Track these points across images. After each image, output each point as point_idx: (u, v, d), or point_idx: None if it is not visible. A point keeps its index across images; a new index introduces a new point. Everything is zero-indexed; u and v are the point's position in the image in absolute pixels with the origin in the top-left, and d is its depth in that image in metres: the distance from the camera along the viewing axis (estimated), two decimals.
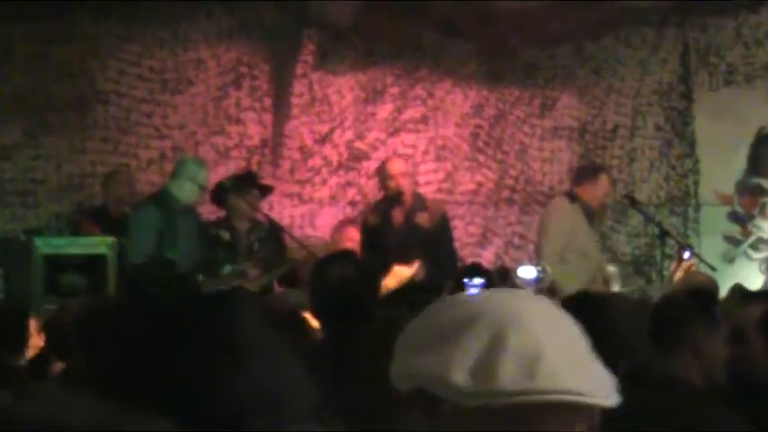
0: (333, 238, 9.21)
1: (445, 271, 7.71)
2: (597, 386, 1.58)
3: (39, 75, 9.50)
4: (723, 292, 6.49)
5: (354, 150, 10.61)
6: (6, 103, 9.38)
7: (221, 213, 8.82)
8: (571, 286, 8.23)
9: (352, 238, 8.57)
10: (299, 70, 10.35)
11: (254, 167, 9.95)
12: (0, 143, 9.43)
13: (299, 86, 10.37)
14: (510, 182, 11.14)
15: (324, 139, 10.51)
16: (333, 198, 10.52)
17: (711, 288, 6.07)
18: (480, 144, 11.05)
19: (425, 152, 10.85)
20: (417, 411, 1.62)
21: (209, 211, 9.03)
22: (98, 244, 7.94)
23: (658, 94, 11.12)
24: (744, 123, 10.83)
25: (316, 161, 10.47)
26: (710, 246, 10.53)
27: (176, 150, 9.91)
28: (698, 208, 11.01)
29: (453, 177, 10.93)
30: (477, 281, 6.20)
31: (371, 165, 10.25)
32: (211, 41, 10.13)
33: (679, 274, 7.53)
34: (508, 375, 1.55)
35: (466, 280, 6.23)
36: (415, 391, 1.62)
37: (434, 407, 1.60)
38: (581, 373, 1.58)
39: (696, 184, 11.03)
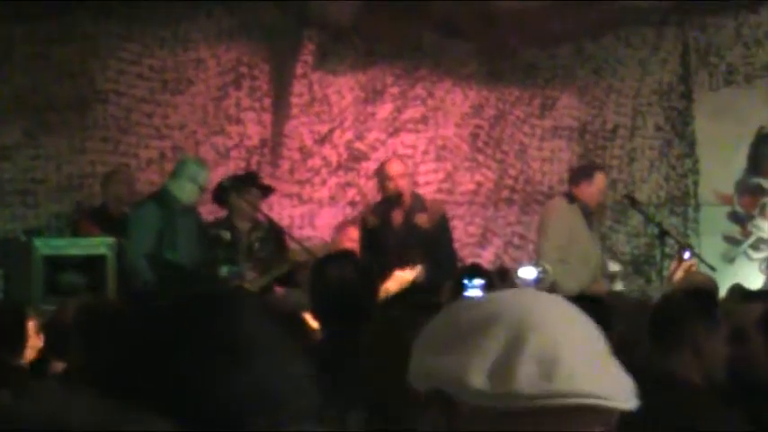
0: (333, 239, 9.21)
1: (445, 271, 7.70)
2: (616, 389, 1.57)
3: (39, 75, 9.50)
4: (723, 292, 6.50)
5: (354, 151, 10.61)
6: (6, 103, 9.38)
7: (222, 213, 8.82)
8: (571, 286, 8.24)
9: (353, 239, 8.57)
10: (298, 70, 10.35)
11: (254, 167, 9.95)
12: (0, 143, 9.43)
13: (298, 86, 10.37)
14: (510, 182, 11.14)
15: (323, 140, 10.51)
16: (332, 198, 10.52)
17: (711, 288, 6.07)
18: (480, 144, 11.05)
19: (425, 152, 10.84)
20: (435, 411, 1.61)
21: (210, 211, 9.03)
22: (98, 245, 7.94)
23: (658, 93, 11.12)
24: (744, 123, 10.83)
25: (315, 161, 10.47)
26: (710, 246, 10.52)
27: (176, 150, 9.91)
28: (698, 208, 11.01)
29: (453, 177, 10.93)
30: (477, 281, 6.20)
31: (371, 165, 10.25)
32: (211, 41, 10.13)
33: (679, 274, 7.53)
34: (526, 378, 1.54)
35: (466, 280, 6.22)
36: (432, 392, 1.61)
37: (452, 407, 1.59)
38: (600, 376, 1.56)
39: (696, 184, 11.03)
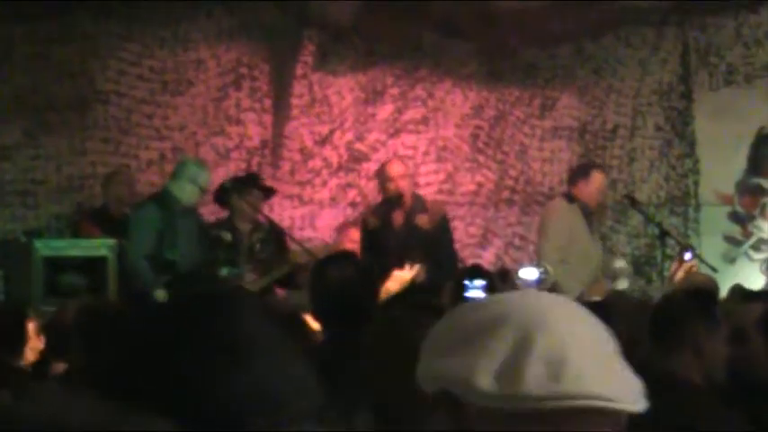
0: (334, 240, 9.21)
1: (446, 272, 7.70)
2: (624, 391, 1.56)
3: (39, 75, 9.50)
4: (724, 292, 6.50)
5: (354, 151, 10.61)
6: (6, 103, 9.38)
7: (223, 214, 8.82)
8: (573, 286, 8.24)
9: (354, 240, 8.57)
10: (299, 71, 10.35)
11: (254, 169, 9.95)
12: (0, 143, 9.43)
13: (299, 87, 10.37)
14: (510, 182, 11.14)
15: (324, 141, 10.51)
16: (333, 199, 10.52)
17: (711, 288, 6.08)
18: (480, 145, 11.05)
19: (426, 153, 10.84)
20: (442, 413, 1.61)
21: (211, 212, 9.02)
22: (98, 246, 7.94)
23: (658, 94, 11.12)
24: (744, 123, 10.83)
25: (316, 162, 10.47)
26: (711, 246, 10.52)
27: (176, 151, 9.91)
28: (698, 208, 11.01)
29: (453, 178, 10.93)
30: (478, 282, 6.19)
31: (372, 166, 10.25)
32: (211, 41, 10.13)
33: (680, 275, 7.53)
34: (533, 379, 1.53)
35: (466, 281, 6.22)
36: (440, 393, 1.61)
37: (459, 409, 1.59)
38: (608, 378, 1.56)
39: (696, 184, 11.02)
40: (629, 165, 11.15)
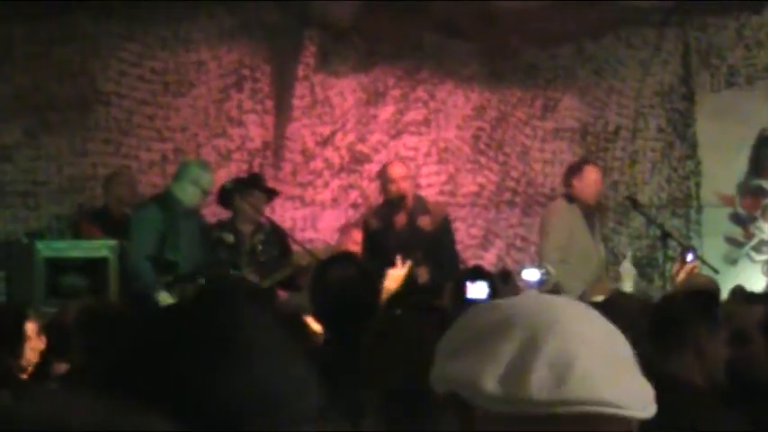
0: (337, 242, 9.21)
1: (447, 273, 7.70)
2: (633, 397, 1.54)
3: (39, 75, 9.50)
4: (725, 293, 6.49)
5: (356, 153, 10.61)
6: (7, 104, 9.38)
7: (225, 215, 8.80)
8: (574, 286, 8.24)
9: (357, 241, 8.57)
10: (300, 72, 10.35)
11: (256, 170, 9.94)
12: (1, 143, 9.43)
13: (300, 88, 10.37)
14: (511, 184, 11.15)
15: (325, 142, 10.51)
16: (334, 201, 10.52)
17: (712, 289, 6.07)
18: (482, 146, 11.05)
19: (427, 154, 10.85)
20: (452, 415, 1.60)
21: (214, 213, 9.01)
22: (99, 247, 7.93)
23: (660, 95, 11.12)
24: (745, 125, 10.83)
25: (317, 164, 10.48)
26: (712, 247, 10.52)
27: (178, 153, 9.91)
28: (700, 210, 11.00)
29: (455, 179, 10.93)
30: (479, 283, 6.19)
31: (373, 167, 10.25)
32: (213, 42, 10.13)
33: (682, 276, 7.53)
34: (539, 384, 1.51)
35: (468, 282, 6.22)
36: (449, 395, 1.60)
37: (468, 411, 1.58)
38: (616, 384, 1.53)
39: (698, 185, 11.02)
40: (631, 166, 11.15)
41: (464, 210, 10.86)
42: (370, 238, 8.45)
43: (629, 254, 9.14)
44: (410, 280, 7.61)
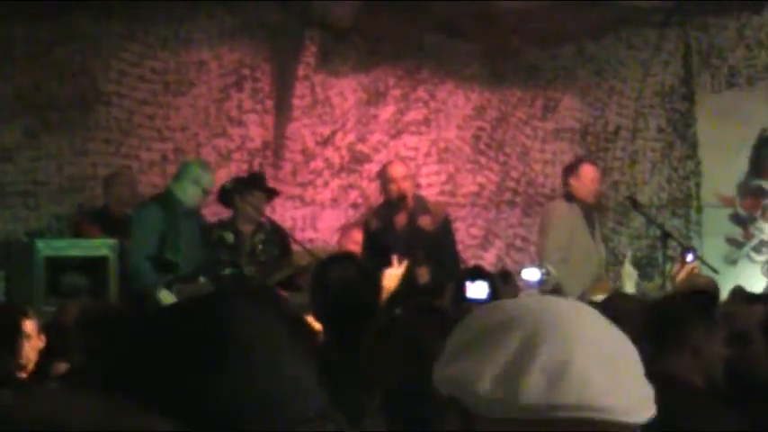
0: (338, 242, 9.21)
1: (448, 273, 7.70)
2: (629, 402, 1.52)
3: (40, 75, 9.50)
4: (725, 294, 6.49)
5: (356, 153, 10.61)
6: (7, 104, 9.38)
7: (225, 215, 8.80)
8: (575, 285, 8.24)
9: (357, 241, 8.57)
10: (300, 72, 10.35)
11: (256, 170, 9.94)
12: (1, 143, 9.43)
13: (300, 88, 10.37)
14: (512, 184, 11.15)
15: (326, 142, 10.51)
16: (334, 200, 10.52)
17: (710, 289, 6.08)
18: (482, 146, 11.05)
19: (427, 154, 10.85)
20: (453, 416, 1.59)
21: (214, 213, 9.01)
22: (99, 246, 7.93)
23: (660, 95, 11.12)
24: (746, 125, 10.83)
25: (317, 163, 10.48)
26: (712, 248, 10.52)
27: (178, 152, 9.91)
28: (700, 210, 11.01)
29: (455, 179, 10.93)
30: (479, 283, 6.20)
31: (373, 167, 10.25)
32: (213, 42, 10.13)
33: (681, 276, 7.54)
34: (534, 388, 1.50)
35: (468, 282, 6.22)
36: (450, 396, 1.60)
37: (466, 414, 1.58)
38: (613, 388, 1.51)
39: (698, 185, 11.02)
40: (631, 167, 11.16)
41: (464, 210, 10.86)
42: (371, 238, 8.44)
43: (630, 254, 9.14)
44: (410, 280, 7.62)
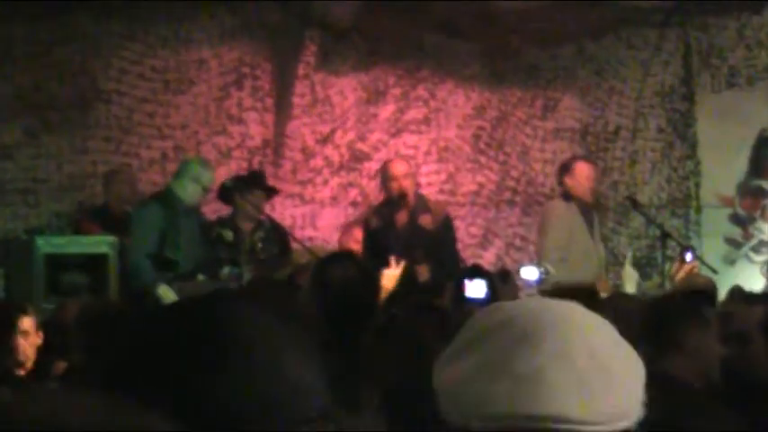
0: (339, 240, 9.20)
1: (448, 272, 7.69)
2: (605, 413, 1.46)
3: (40, 74, 9.49)
4: (724, 294, 6.50)
5: (356, 151, 10.61)
6: (8, 103, 9.38)
7: (225, 212, 8.79)
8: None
9: (358, 240, 8.56)
10: (300, 71, 10.35)
11: (256, 168, 9.94)
12: (1, 142, 9.43)
13: (300, 87, 10.37)
14: (511, 183, 11.15)
15: (325, 140, 10.51)
16: (334, 199, 10.52)
17: (709, 289, 6.08)
18: (482, 145, 11.05)
19: (427, 153, 10.85)
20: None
21: (214, 210, 9.01)
22: (99, 243, 7.93)
23: (660, 95, 11.12)
24: (746, 125, 10.83)
25: (317, 162, 10.48)
26: (712, 248, 10.53)
27: (178, 150, 9.91)
28: (699, 210, 11.01)
29: (455, 179, 10.93)
30: (478, 282, 6.20)
31: (373, 166, 10.26)
32: (213, 41, 10.13)
33: (681, 276, 7.54)
34: (502, 398, 1.46)
35: (466, 281, 6.22)
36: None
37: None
38: (587, 399, 1.45)
39: (697, 186, 11.02)
40: (631, 167, 11.16)
41: (463, 209, 10.87)
42: (371, 237, 8.43)
43: (630, 255, 9.13)
44: (410, 279, 7.62)
